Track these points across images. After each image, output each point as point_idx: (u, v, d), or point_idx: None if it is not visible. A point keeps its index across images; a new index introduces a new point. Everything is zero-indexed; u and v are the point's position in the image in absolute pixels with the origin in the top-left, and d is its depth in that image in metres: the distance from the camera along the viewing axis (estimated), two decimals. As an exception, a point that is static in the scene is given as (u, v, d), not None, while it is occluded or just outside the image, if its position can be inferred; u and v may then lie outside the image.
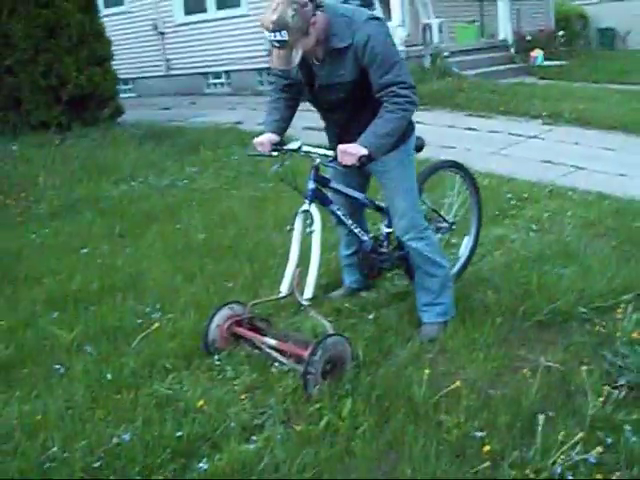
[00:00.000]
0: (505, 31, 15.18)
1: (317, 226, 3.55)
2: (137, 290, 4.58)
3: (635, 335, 3.57)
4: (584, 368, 3.25)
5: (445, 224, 4.41)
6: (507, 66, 14.41)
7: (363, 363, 3.48)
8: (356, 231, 3.94)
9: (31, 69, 9.66)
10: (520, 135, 9.04)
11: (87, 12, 10.10)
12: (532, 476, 2.65)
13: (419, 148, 3.94)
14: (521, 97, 10.97)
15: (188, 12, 16.01)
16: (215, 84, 15.87)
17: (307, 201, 3.59)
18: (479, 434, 2.89)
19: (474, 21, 15.64)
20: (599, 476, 2.61)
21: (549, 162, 7.65)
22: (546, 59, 14.80)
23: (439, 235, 4.34)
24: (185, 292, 4.46)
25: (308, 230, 3.58)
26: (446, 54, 12.99)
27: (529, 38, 15.42)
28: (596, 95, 11.15)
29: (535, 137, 8.97)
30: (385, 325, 3.90)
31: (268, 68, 14.39)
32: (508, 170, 7.19)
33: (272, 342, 3.55)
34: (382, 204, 4.05)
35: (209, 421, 3.07)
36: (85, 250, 5.43)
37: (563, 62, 15.02)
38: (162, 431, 3.01)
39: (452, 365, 3.51)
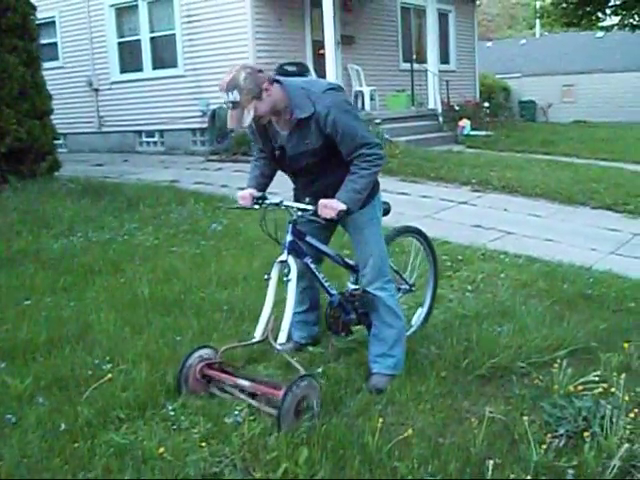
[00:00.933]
0: (434, 101, 15.80)
1: (293, 275, 3.80)
2: (86, 342, 4.59)
3: (571, 388, 3.79)
4: (525, 418, 3.44)
5: (406, 285, 4.68)
6: (436, 134, 14.96)
7: (317, 413, 3.59)
8: (326, 285, 4.16)
9: (-29, 120, 9.62)
10: (451, 200, 9.41)
11: (30, 65, 10.15)
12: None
13: (386, 212, 4.24)
14: (451, 164, 11.42)
15: (124, 70, 16.18)
16: (148, 142, 15.97)
17: (285, 252, 3.84)
18: (431, 480, 3.03)
19: (404, 90, 16.23)
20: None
21: (480, 227, 7.99)
22: (473, 129, 15.42)
23: (400, 294, 4.56)
24: (134, 344, 4.50)
25: (285, 279, 3.81)
26: (378, 121, 13.42)
27: (457, 108, 16.06)
28: (522, 164, 11.69)
29: (465, 203, 9.34)
30: (334, 378, 4.02)
31: (202, 129, 14.55)
32: (441, 233, 7.46)
33: (245, 383, 3.69)
34: (351, 262, 4.27)
35: (169, 469, 3.12)
36: (29, 302, 5.40)
37: (489, 132, 15.70)
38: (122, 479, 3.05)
39: (401, 416, 3.65)
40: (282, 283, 3.85)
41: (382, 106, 15.48)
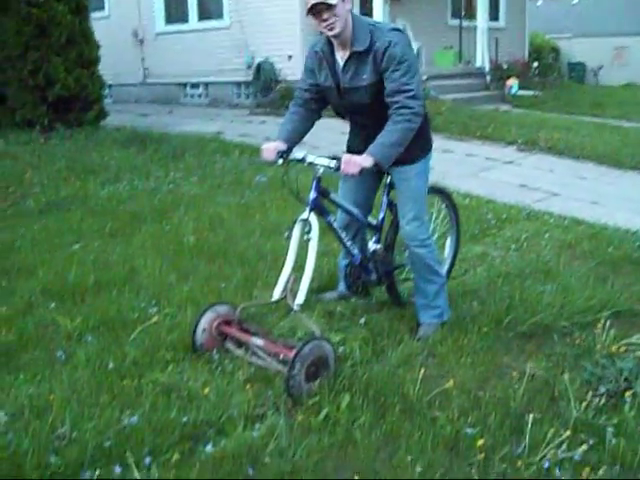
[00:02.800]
0: (482, 58, 15.54)
1: (315, 234, 3.71)
2: (132, 285, 4.69)
3: (613, 349, 3.79)
4: (566, 376, 3.46)
5: None
6: (483, 93, 14.77)
7: (360, 362, 3.65)
8: (348, 244, 4.12)
9: (19, 67, 9.71)
10: (496, 160, 9.32)
11: (78, 14, 10.20)
12: (523, 470, 2.83)
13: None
14: (497, 123, 11.27)
15: (169, 21, 16.16)
16: (192, 94, 16.00)
17: (307, 210, 3.75)
18: (471, 430, 3.07)
19: (452, 47, 16.00)
20: (585, 471, 2.80)
21: (525, 187, 7.91)
22: (520, 89, 15.17)
23: None
24: (180, 290, 4.59)
25: (306, 237, 3.72)
26: (424, 78, 13.27)
27: (505, 67, 15.79)
28: (570, 126, 11.50)
29: (511, 162, 9.24)
30: (377, 329, 4.07)
31: (247, 82, 14.50)
32: (485, 192, 7.43)
33: (259, 342, 3.66)
34: (374, 221, 4.25)
35: (213, 408, 3.21)
36: (77, 246, 5.53)
37: (537, 92, 15.42)
38: (168, 416, 3.14)
39: (441, 368, 3.69)
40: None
41: (429, 63, 15.29)
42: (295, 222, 3.77)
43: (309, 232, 3.70)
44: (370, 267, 4.23)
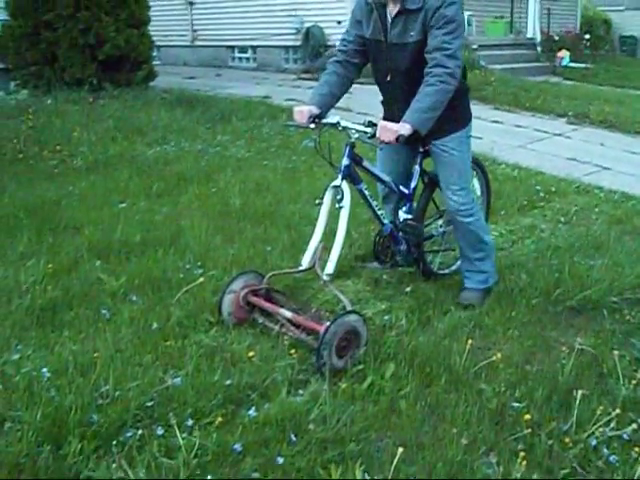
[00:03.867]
0: (534, 29, 15.25)
1: (347, 202, 3.59)
2: (178, 246, 4.69)
3: (665, 327, 3.70)
4: (615, 353, 3.37)
5: None
6: (533, 64, 14.51)
7: (405, 331, 3.61)
8: (379, 213, 4.03)
9: (70, 26, 9.72)
10: (546, 132, 9.14)
11: (128, -26, 10.16)
12: (570, 446, 2.77)
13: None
14: (547, 95, 11.07)
15: (219, -17, 16.06)
16: (240, 58, 15.94)
17: (339, 177, 3.64)
18: (517, 404, 3.02)
19: (503, 17, 15.70)
20: (635, 451, 2.74)
21: (574, 160, 7.75)
22: (572, 61, 14.86)
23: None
24: (225, 252, 4.58)
25: (337, 205, 3.63)
26: (474, 47, 13.05)
27: (556, 38, 15.47)
28: (622, 99, 11.24)
29: (560, 135, 9.06)
30: (423, 298, 4.02)
31: (295, 47, 14.40)
32: (534, 164, 7.30)
33: (287, 314, 3.54)
34: (406, 190, 4.13)
35: (257, 372, 3.20)
36: (123, 205, 5.54)
37: (588, 65, 15.09)
38: (211, 378, 3.13)
39: (488, 340, 3.63)
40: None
41: (479, 32, 15.02)
42: (327, 189, 3.68)
43: (341, 200, 3.60)
44: (399, 237, 4.12)
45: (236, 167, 6.71)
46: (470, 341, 3.42)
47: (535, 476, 2.62)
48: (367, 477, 2.58)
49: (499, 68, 12.97)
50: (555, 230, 5.32)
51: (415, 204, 4.14)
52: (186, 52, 16.71)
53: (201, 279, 4.06)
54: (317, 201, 3.72)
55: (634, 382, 3.20)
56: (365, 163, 3.86)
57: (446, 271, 4.43)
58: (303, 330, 3.47)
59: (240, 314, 3.69)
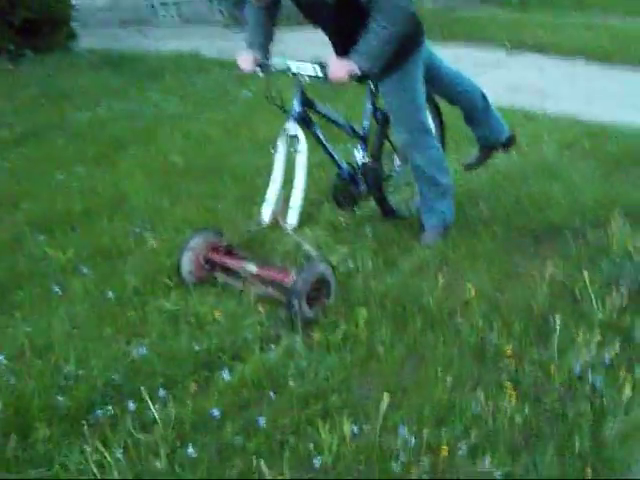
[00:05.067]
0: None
1: (303, 147, 3.43)
2: (123, 212, 4.48)
3: (630, 247, 3.66)
4: (586, 276, 3.31)
5: None
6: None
7: (372, 274, 3.50)
8: (336, 157, 3.89)
9: (-21, -8, 9.20)
10: (485, 64, 9.01)
11: None
12: (554, 375, 2.71)
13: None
14: (482, 26, 10.97)
15: (133, -62, 15.45)
16: (164, 15, 15.42)
17: (292, 122, 3.47)
18: (496, 337, 2.95)
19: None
20: (622, 373, 2.69)
21: (516, 88, 7.66)
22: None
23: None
24: (173, 212, 4.39)
25: (294, 152, 3.46)
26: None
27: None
28: (556, 25, 11.16)
29: (499, 65, 8.97)
30: (385, 239, 3.91)
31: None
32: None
33: (252, 269, 3.37)
34: (361, 131, 3.98)
35: (226, 333, 3.05)
36: (61, 175, 5.27)
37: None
38: (178, 344, 2.98)
39: (457, 275, 3.54)
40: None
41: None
42: (280, 136, 3.50)
43: (297, 145, 3.44)
44: (359, 179, 3.98)
45: (173, 124, 6.44)
46: (439, 278, 3.33)
47: (526, 408, 2.55)
48: (356, 428, 2.47)
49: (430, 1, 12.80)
50: (508, 160, 5.23)
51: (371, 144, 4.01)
52: (107, 13, 16.10)
53: (153, 243, 3.89)
54: (271, 149, 3.54)
55: (608, 306, 3.15)
56: (318, 106, 3.69)
57: (406, 212, 4.30)
58: (270, 284, 3.32)
59: (201, 273, 3.52)
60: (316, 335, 3.01)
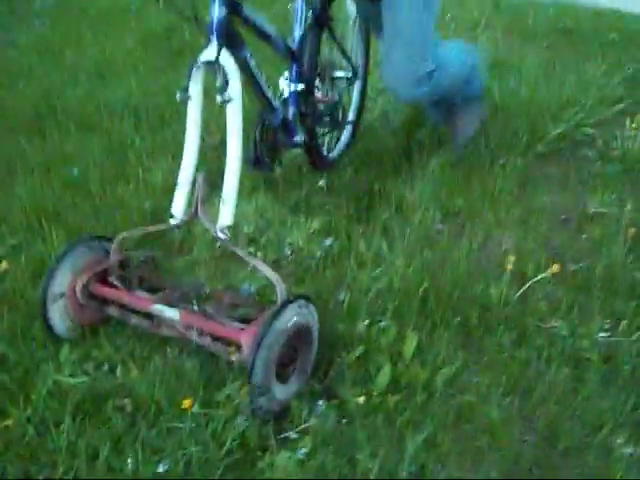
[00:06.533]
0: None
1: (235, 90, 1.91)
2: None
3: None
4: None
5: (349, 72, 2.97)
6: None
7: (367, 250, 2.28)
8: (268, 95, 2.37)
9: None
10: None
11: None
12: None
13: None
14: None
15: None
16: None
17: (213, 42, 1.94)
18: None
19: None
20: None
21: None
22: None
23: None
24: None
25: (219, 100, 1.89)
26: None
27: None
28: None
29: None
30: (352, 195, 2.67)
31: None
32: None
33: (172, 314, 1.85)
34: (292, 46, 2.54)
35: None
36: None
37: None
38: None
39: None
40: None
41: None
42: (192, 69, 1.93)
43: (225, 87, 1.90)
44: (293, 125, 2.55)
45: None
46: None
47: None
48: None
49: None
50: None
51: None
52: None
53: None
54: (177, 95, 1.94)
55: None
56: (245, 10, 2.11)
57: (335, 153, 3.00)
58: (207, 335, 1.83)
59: (86, 315, 2.02)
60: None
